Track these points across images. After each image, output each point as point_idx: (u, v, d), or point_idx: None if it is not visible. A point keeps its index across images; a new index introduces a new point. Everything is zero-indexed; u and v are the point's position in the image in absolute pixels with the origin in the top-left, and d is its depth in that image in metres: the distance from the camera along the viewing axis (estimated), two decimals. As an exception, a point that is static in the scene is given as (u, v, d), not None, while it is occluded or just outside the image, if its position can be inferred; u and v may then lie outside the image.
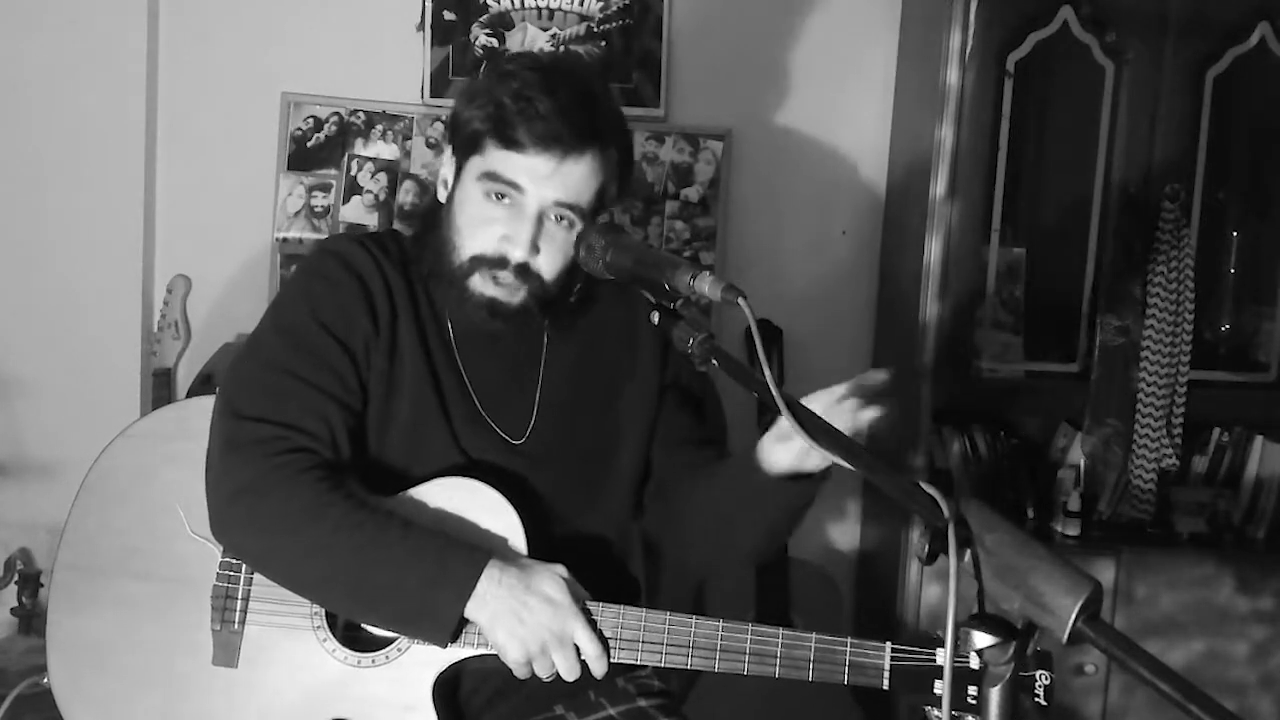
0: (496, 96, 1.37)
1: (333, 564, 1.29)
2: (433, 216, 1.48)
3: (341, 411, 1.37)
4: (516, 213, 1.38)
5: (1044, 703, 1.22)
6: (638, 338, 1.54)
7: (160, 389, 2.51)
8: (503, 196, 1.38)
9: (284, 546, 1.30)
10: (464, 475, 1.39)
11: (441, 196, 1.47)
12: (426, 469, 1.40)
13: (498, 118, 1.36)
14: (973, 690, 1.24)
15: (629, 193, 1.56)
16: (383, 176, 2.67)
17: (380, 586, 1.28)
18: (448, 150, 1.46)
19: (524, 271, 1.39)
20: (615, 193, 1.45)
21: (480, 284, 1.39)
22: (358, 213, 2.66)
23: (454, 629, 1.29)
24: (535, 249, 1.38)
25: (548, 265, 1.40)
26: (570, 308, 1.51)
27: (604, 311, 1.54)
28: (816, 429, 1.08)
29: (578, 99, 1.36)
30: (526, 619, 1.27)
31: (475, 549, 1.30)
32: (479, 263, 1.39)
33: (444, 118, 1.52)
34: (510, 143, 1.35)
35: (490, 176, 1.38)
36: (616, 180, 1.44)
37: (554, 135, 1.34)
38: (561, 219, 1.39)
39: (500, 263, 1.38)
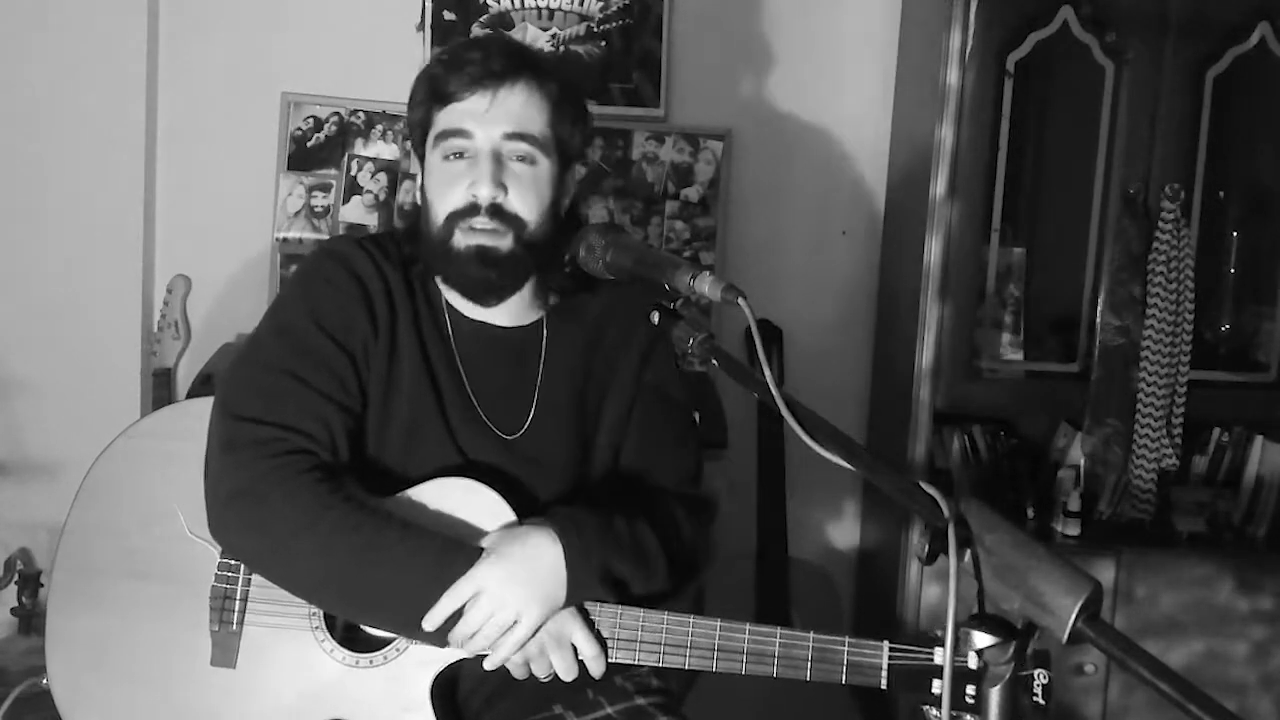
0: (429, 73, 1.44)
1: (330, 565, 1.29)
2: (416, 214, 1.50)
3: (340, 414, 1.37)
4: (473, 160, 1.40)
5: (1042, 701, 1.22)
6: (632, 340, 1.54)
7: (160, 389, 2.51)
8: (459, 154, 1.40)
9: (282, 548, 1.30)
10: (462, 475, 1.38)
11: (418, 198, 1.49)
12: (424, 469, 1.40)
13: (432, 88, 1.42)
14: (971, 690, 1.24)
15: (590, 139, 1.58)
16: (383, 176, 2.67)
17: (378, 587, 1.28)
18: (414, 157, 1.50)
19: (498, 212, 1.39)
20: (572, 133, 1.46)
21: (462, 237, 1.40)
22: (358, 213, 2.66)
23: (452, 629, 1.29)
24: (501, 187, 1.39)
25: (521, 204, 1.40)
26: (571, 299, 1.51)
27: (605, 312, 1.54)
28: (817, 429, 1.08)
29: (503, 45, 1.44)
30: None
31: (473, 549, 1.30)
32: (454, 219, 1.40)
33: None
34: (447, 98, 1.40)
35: (440, 136, 1.41)
36: (570, 119, 1.45)
37: (483, 73, 1.39)
38: (520, 157, 1.40)
39: (472, 209, 1.39)
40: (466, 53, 1.41)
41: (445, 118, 1.41)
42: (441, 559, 1.28)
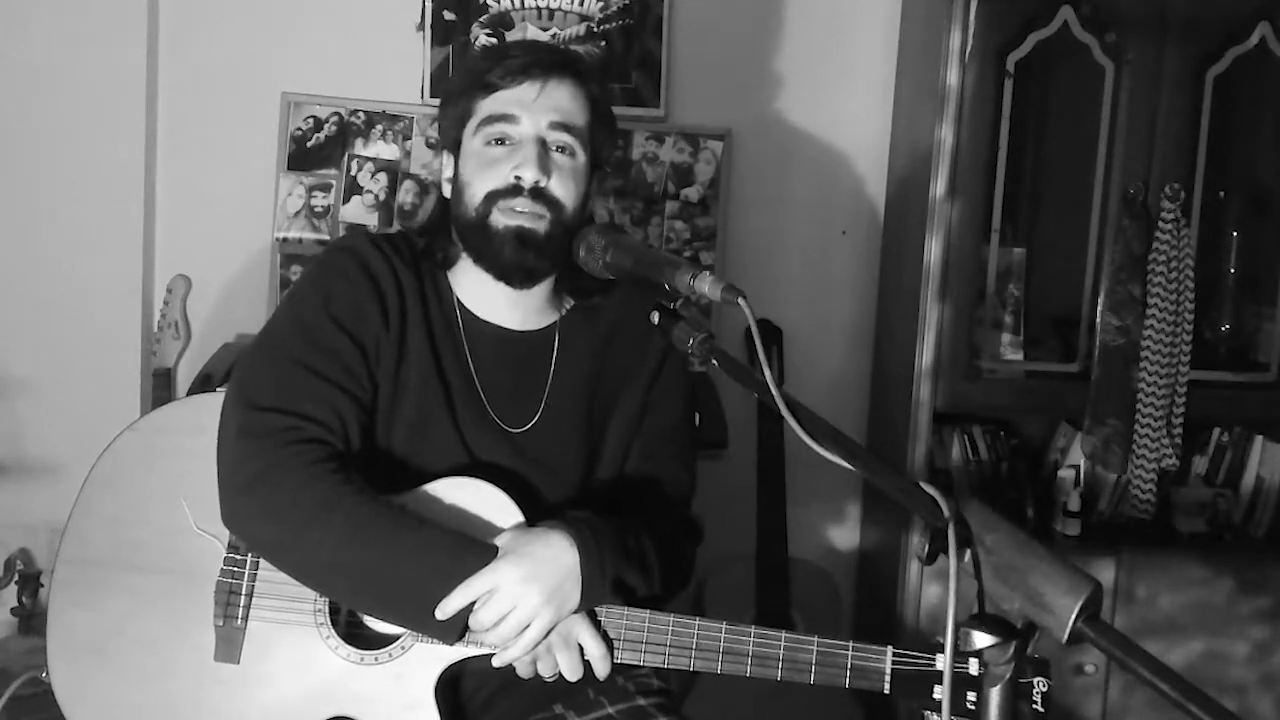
0: (468, 67, 1.48)
1: (343, 556, 1.29)
2: (441, 208, 1.52)
3: (353, 405, 1.38)
4: (518, 145, 1.42)
5: (1041, 709, 1.22)
6: (644, 351, 1.55)
7: (160, 389, 2.51)
8: (502, 139, 1.43)
9: (296, 537, 1.30)
10: (471, 475, 1.39)
11: (447, 191, 1.51)
12: (431, 464, 1.41)
13: (475, 79, 1.45)
14: (972, 696, 1.24)
15: (614, 151, 1.61)
16: (383, 176, 2.67)
17: (390, 580, 1.28)
18: (443, 154, 1.52)
19: (540, 195, 1.41)
20: (605, 140, 1.50)
21: (501, 217, 1.42)
22: (358, 213, 2.66)
23: (461, 627, 1.29)
24: (545, 171, 1.41)
25: (562, 191, 1.43)
26: (586, 303, 1.52)
27: (618, 321, 1.55)
28: (817, 429, 1.08)
29: (547, 45, 1.51)
30: None
31: (487, 547, 1.30)
32: (494, 198, 1.42)
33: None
34: (493, 87, 1.43)
35: (486, 121, 1.43)
36: (604, 127, 1.49)
37: (531, 63, 1.43)
38: (562, 147, 1.43)
39: (514, 190, 1.41)
40: (508, 49, 1.47)
41: (490, 104, 1.43)
42: (455, 554, 1.29)
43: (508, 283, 1.45)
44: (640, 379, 1.54)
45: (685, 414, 1.60)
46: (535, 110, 1.42)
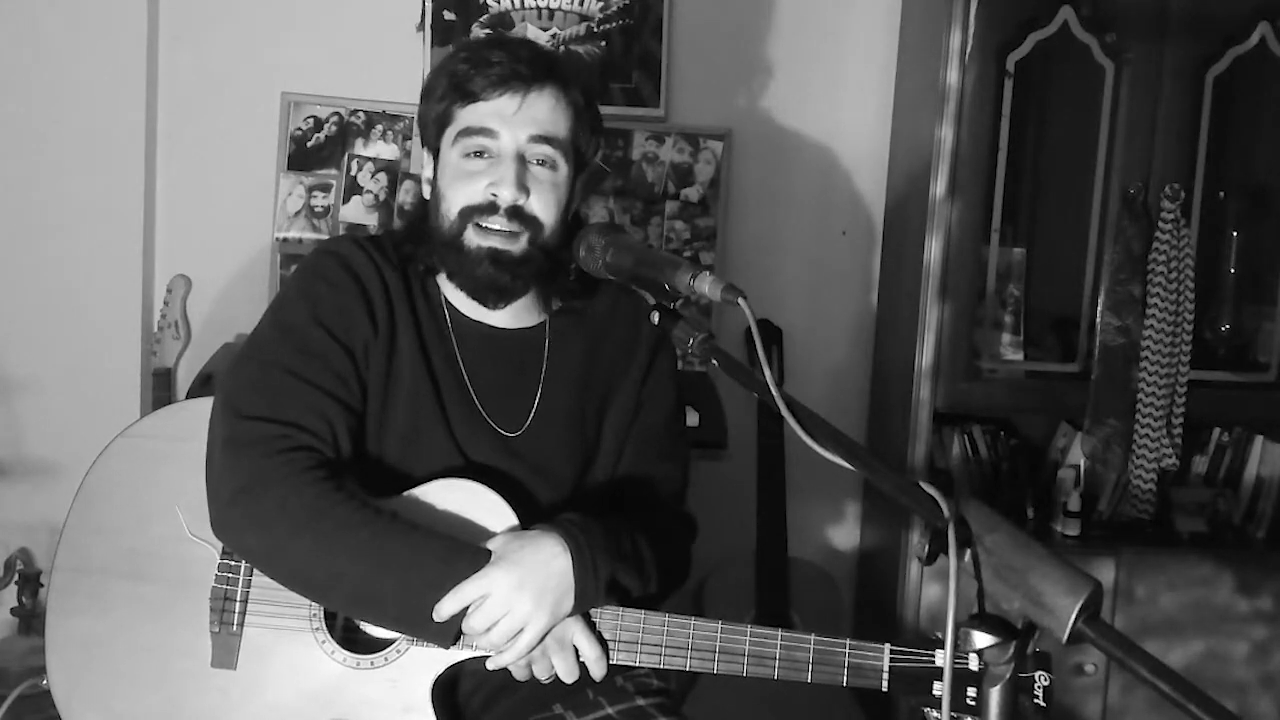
0: (449, 69, 1.43)
1: (336, 563, 1.28)
2: (421, 210, 1.49)
3: (342, 411, 1.37)
4: (496, 160, 1.40)
5: (1043, 703, 1.22)
6: (635, 348, 1.54)
7: (160, 389, 2.51)
8: (481, 152, 1.40)
9: (287, 545, 1.29)
10: (464, 476, 1.39)
11: (426, 193, 1.49)
12: (425, 468, 1.40)
13: (455, 84, 1.41)
14: (972, 691, 1.24)
15: (600, 147, 1.57)
16: (383, 176, 2.67)
17: (384, 587, 1.28)
18: (424, 152, 1.50)
19: (518, 214, 1.39)
20: (589, 142, 1.47)
21: (476, 236, 1.40)
22: (358, 213, 2.66)
23: (457, 631, 1.29)
24: (524, 189, 1.39)
25: (541, 207, 1.40)
26: (573, 304, 1.51)
27: (607, 319, 1.54)
28: (817, 429, 1.08)
29: (526, 47, 1.43)
30: None
31: (479, 551, 1.30)
32: (469, 214, 1.40)
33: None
34: (473, 96, 1.40)
35: (464, 133, 1.40)
36: (588, 130, 1.46)
37: (511, 74, 1.39)
38: (543, 161, 1.40)
39: (490, 208, 1.39)
40: (490, 52, 1.41)
41: (469, 115, 1.40)
42: (447, 559, 1.28)
43: (481, 301, 1.44)
44: (632, 376, 1.53)
45: (676, 410, 1.59)
46: (515, 124, 1.39)
